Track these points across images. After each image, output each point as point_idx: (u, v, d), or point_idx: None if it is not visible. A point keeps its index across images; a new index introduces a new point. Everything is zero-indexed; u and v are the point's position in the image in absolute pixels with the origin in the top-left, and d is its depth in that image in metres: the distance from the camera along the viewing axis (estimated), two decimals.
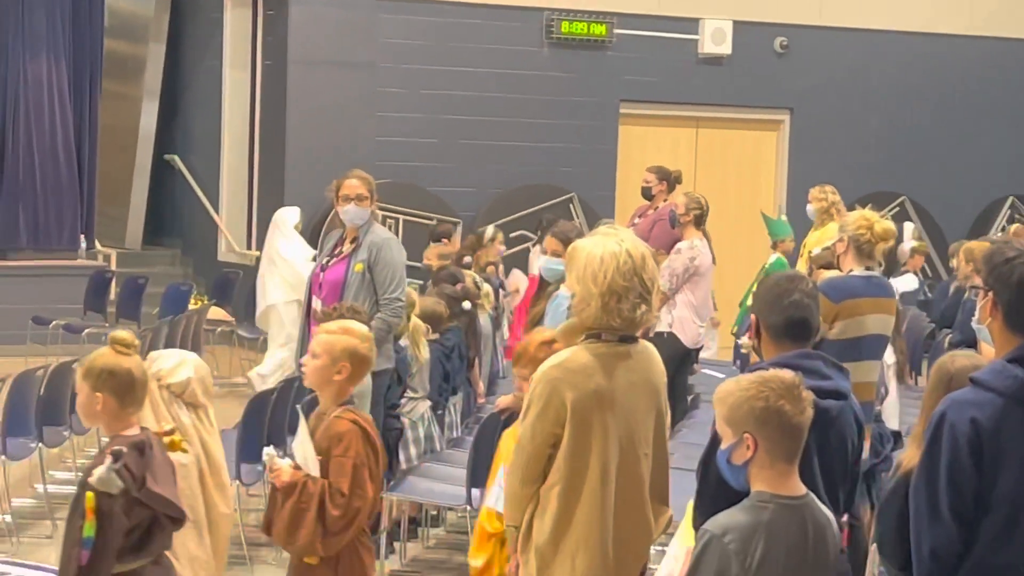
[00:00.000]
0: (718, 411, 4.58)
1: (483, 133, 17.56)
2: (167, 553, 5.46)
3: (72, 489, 10.54)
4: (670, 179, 13.31)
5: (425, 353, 10.00)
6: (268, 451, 5.92)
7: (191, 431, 6.20)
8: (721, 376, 11.06)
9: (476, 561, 6.25)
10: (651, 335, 10.24)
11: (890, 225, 8.16)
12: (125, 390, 5.33)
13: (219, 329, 15.55)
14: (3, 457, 9.55)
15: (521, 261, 16.73)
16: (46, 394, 10.25)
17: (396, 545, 9.62)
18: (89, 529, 5.12)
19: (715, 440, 4.84)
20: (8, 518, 9.56)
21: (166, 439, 5.49)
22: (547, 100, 17.83)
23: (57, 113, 17.15)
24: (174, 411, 6.23)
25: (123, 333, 5.51)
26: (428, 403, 9.97)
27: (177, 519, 5.35)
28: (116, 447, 5.21)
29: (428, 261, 12.85)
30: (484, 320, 11.54)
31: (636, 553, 5.45)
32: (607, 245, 5.40)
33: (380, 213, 9.93)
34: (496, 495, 6.22)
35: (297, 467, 5.79)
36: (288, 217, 14.44)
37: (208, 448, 6.36)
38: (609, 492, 5.35)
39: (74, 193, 17.25)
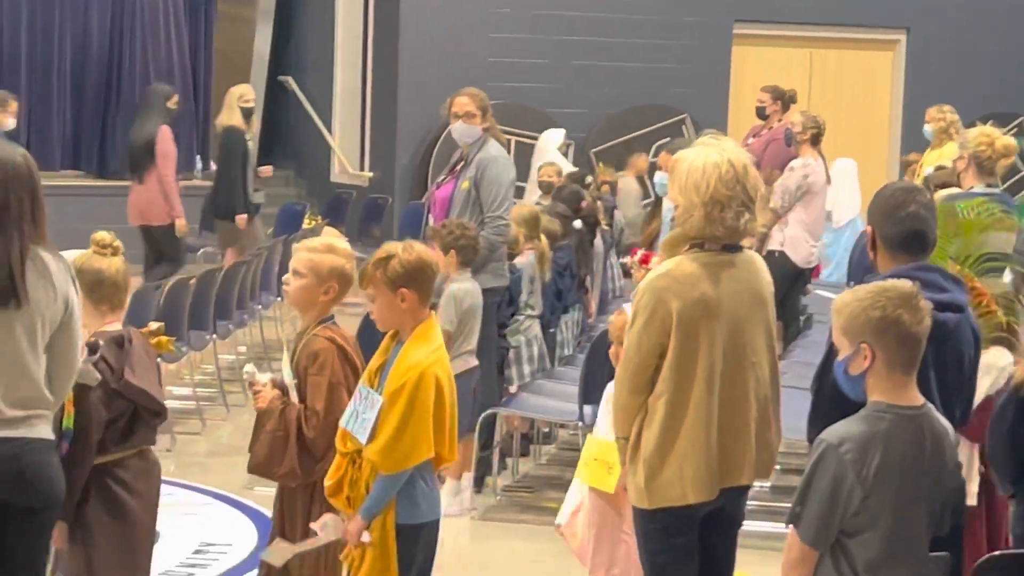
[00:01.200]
0: (835, 321, 4.54)
1: (595, 53, 17.46)
2: (152, 449, 5.55)
3: (190, 404, 10.73)
4: (784, 99, 13.19)
5: (548, 274, 10.00)
6: (248, 368, 5.83)
7: None
8: (833, 296, 10.98)
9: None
10: (763, 253, 10.18)
11: (1011, 141, 8.02)
12: (92, 288, 5.46)
13: None
14: None
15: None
16: (164, 309, 10.35)
17: (508, 461, 9.66)
18: (68, 420, 5.25)
19: (831, 353, 4.80)
20: None
21: (153, 339, 5.57)
22: (660, 20, 17.67)
23: (172, 36, 17.27)
24: None
25: (103, 234, 5.63)
26: (539, 322, 9.98)
27: (158, 413, 5.44)
28: (92, 340, 5.33)
29: (549, 179, 12.83)
30: (598, 240, 11.51)
31: (740, 463, 5.42)
32: (709, 155, 5.35)
33: (500, 132, 9.85)
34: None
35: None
36: (552, 138, 14.54)
37: None
38: (714, 401, 5.32)
39: (190, 115, 17.38)
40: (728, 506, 5.47)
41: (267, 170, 14.27)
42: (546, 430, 10.18)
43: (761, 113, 13.18)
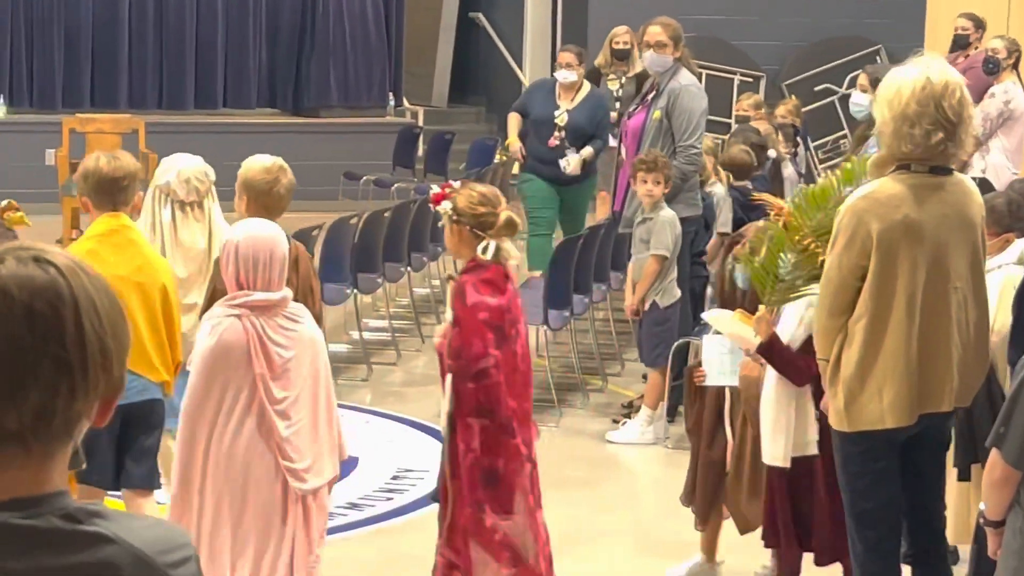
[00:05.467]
0: None
1: None
2: None
3: (385, 336, 10.81)
4: (984, 26, 12.86)
5: None
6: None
7: (167, 228, 6.62)
8: None
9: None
10: None
11: None
12: None
13: None
14: (321, 302, 9.65)
15: (825, 114, 16.43)
16: (360, 242, 10.44)
17: None
18: None
19: None
20: None
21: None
22: None
23: None
24: (158, 208, 6.67)
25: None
26: None
27: None
28: None
29: (743, 111, 12.65)
30: (789, 169, 11.34)
31: (940, 390, 5.30)
32: (909, 71, 5.23)
33: (693, 62, 9.77)
34: None
35: None
36: None
37: (182, 242, 6.64)
38: (915, 326, 5.22)
39: (382, 52, 17.48)
40: (930, 430, 5.36)
41: None
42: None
43: (962, 41, 12.85)
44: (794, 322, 5.90)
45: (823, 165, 16.02)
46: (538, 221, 11.61)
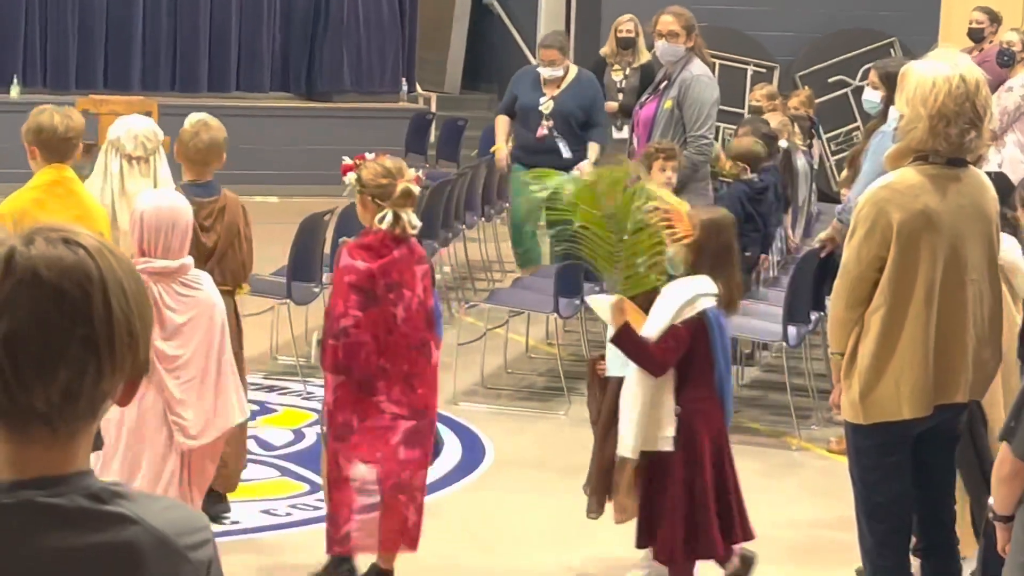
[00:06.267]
0: None
1: None
2: None
3: None
4: (1000, 20, 12.81)
5: None
6: None
7: (115, 178, 7.06)
8: None
9: None
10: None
11: None
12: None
13: None
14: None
15: (838, 105, 16.37)
16: None
17: None
18: None
19: None
20: None
21: None
22: None
23: None
24: (109, 161, 7.12)
25: None
26: None
27: None
28: None
29: (757, 102, 12.61)
30: (802, 161, 11.30)
31: (955, 381, 5.28)
32: (940, 68, 5.22)
33: (706, 52, 9.69)
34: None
35: None
36: None
37: (128, 192, 6.94)
38: (932, 316, 5.21)
39: (396, 37, 17.44)
40: (943, 424, 5.34)
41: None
42: (747, 351, 10.06)
43: (976, 35, 12.81)
44: (667, 315, 5.86)
45: (835, 157, 15.99)
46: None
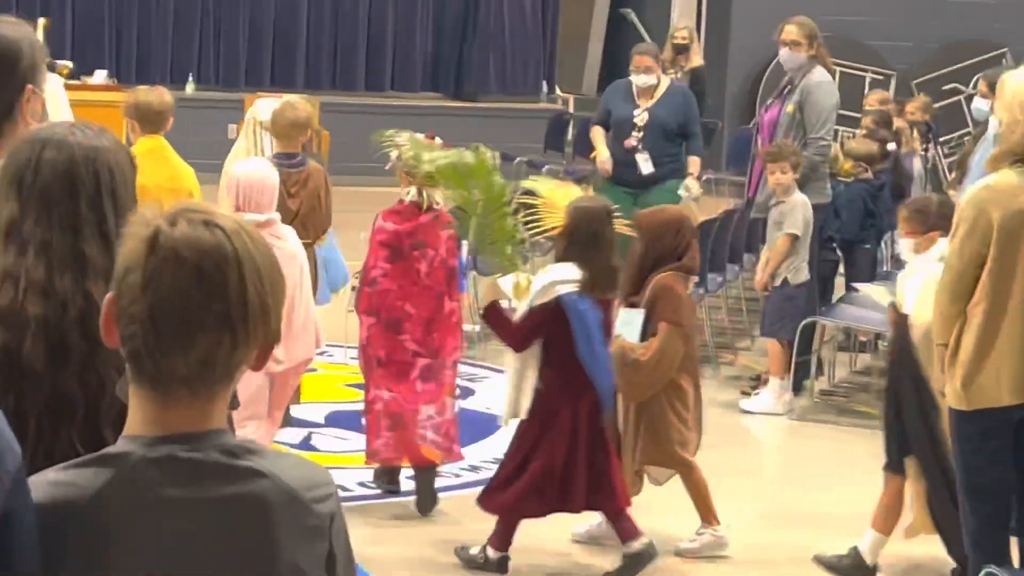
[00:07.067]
0: None
1: None
2: None
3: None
4: None
5: None
6: None
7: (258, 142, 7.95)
8: None
9: None
10: None
11: None
12: None
13: None
14: (474, 272, 9.40)
15: (952, 112, 16.14)
16: None
17: (825, 367, 9.51)
18: None
19: None
20: (477, 327, 9.59)
21: None
22: None
23: None
24: (257, 138, 7.94)
25: None
26: None
27: None
28: None
29: (871, 107, 12.46)
30: (917, 164, 11.16)
31: None
32: None
33: (828, 59, 9.57)
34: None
35: None
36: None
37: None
38: None
39: (538, 43, 17.50)
40: None
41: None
42: (863, 339, 9.96)
43: None
44: (531, 299, 6.04)
45: (947, 159, 15.76)
46: None
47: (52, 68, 11.69)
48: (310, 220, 7.57)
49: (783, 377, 8.76)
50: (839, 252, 9.89)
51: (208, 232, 1.99)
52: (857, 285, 8.96)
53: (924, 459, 5.99)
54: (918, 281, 6.01)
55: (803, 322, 8.71)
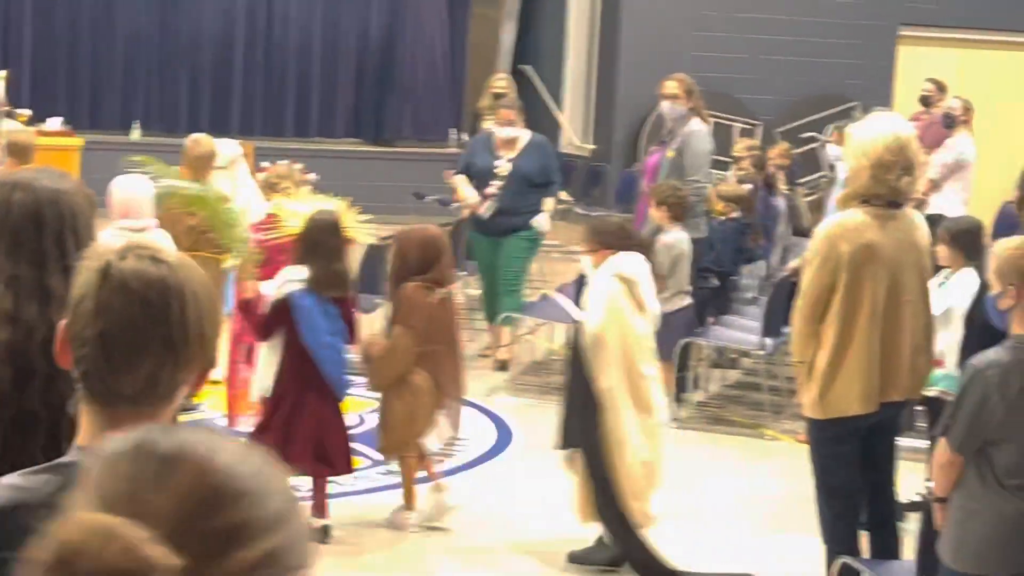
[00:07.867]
0: (991, 264, 4.43)
1: (783, 48, 17.15)
2: None
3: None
4: (946, 89, 12.83)
5: None
6: None
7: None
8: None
9: None
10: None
11: None
12: None
13: (562, 207, 15.59)
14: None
15: (809, 157, 16.38)
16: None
17: (700, 382, 9.60)
18: None
19: (981, 292, 4.67)
20: None
21: None
22: (837, 23, 17.28)
23: (437, 32, 17.45)
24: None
25: None
26: None
27: None
28: None
29: (738, 153, 12.60)
30: (781, 203, 11.30)
31: (896, 382, 5.34)
32: (877, 126, 5.32)
33: (705, 111, 9.69)
34: None
35: None
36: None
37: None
38: (876, 330, 5.28)
39: (446, 96, 17.55)
40: (886, 418, 5.38)
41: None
42: (733, 357, 10.07)
43: (926, 101, 12.85)
44: (274, 292, 6.30)
45: (806, 199, 15.97)
46: (482, 276, 10.13)
47: (12, 116, 11.57)
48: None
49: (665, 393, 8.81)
50: (715, 280, 9.97)
51: (154, 266, 2.00)
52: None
53: (585, 451, 5.95)
54: (595, 293, 6.02)
55: (680, 342, 8.79)
